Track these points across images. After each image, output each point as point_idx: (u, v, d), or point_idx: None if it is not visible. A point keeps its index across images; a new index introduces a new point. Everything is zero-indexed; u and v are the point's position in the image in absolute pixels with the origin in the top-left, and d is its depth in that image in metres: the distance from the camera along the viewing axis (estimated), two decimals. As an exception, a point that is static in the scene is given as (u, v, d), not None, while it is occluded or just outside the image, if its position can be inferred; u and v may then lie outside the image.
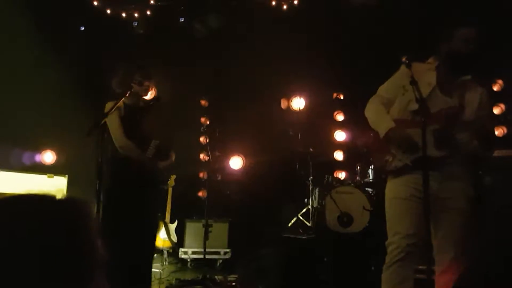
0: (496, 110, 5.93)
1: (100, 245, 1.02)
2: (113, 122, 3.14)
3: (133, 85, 3.11)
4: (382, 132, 2.80)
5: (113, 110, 2.82)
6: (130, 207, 3.07)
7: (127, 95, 2.97)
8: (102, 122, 2.59)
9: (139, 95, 3.24)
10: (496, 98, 5.93)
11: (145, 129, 3.23)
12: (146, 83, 3.18)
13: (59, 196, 1.03)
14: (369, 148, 4.69)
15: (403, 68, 2.85)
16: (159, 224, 3.54)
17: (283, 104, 6.75)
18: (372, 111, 2.93)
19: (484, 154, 2.78)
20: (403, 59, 2.67)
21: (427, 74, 2.75)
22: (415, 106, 2.63)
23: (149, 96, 3.40)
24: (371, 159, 4.88)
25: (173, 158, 3.47)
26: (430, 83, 2.72)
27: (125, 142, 3.14)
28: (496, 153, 4.62)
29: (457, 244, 2.71)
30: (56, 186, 5.07)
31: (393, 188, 2.85)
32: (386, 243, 2.79)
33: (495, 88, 6.17)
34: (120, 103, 3.21)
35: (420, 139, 2.46)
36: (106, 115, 2.67)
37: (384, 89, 2.96)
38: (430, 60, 2.85)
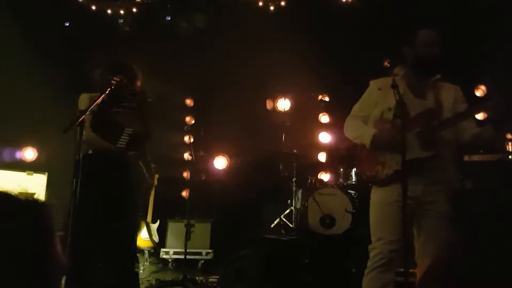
0: (479, 116, 5.99)
1: (59, 250, 0.99)
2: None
3: (112, 82, 3.10)
4: (367, 141, 2.80)
5: (91, 108, 2.78)
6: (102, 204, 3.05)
7: (106, 91, 2.95)
8: (81, 119, 2.55)
9: (115, 91, 3.21)
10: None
11: (120, 120, 3.20)
12: (116, 79, 3.16)
13: (21, 195, 1.00)
14: (358, 164, 4.73)
15: (372, 85, 2.94)
16: (137, 221, 3.47)
17: (269, 105, 6.74)
18: (351, 128, 2.96)
19: (495, 136, 2.76)
20: (385, 63, 2.69)
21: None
22: (389, 114, 2.70)
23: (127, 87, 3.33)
24: (361, 173, 4.92)
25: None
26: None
27: (87, 136, 3.09)
28: (477, 158, 4.68)
29: (440, 248, 2.72)
30: (35, 183, 4.98)
31: (378, 193, 2.86)
32: (369, 247, 2.80)
33: (478, 94, 6.23)
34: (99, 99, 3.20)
35: (404, 142, 2.48)
36: (84, 112, 2.62)
37: (357, 109, 3.00)
38: (396, 70, 2.86)
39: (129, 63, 3.36)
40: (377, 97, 2.84)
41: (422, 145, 2.66)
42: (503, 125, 2.68)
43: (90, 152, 3.24)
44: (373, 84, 2.93)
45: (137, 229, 3.42)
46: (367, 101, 2.95)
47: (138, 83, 3.34)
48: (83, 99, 3.24)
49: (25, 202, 0.97)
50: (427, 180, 2.68)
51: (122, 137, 3.17)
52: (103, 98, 3.23)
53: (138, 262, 3.49)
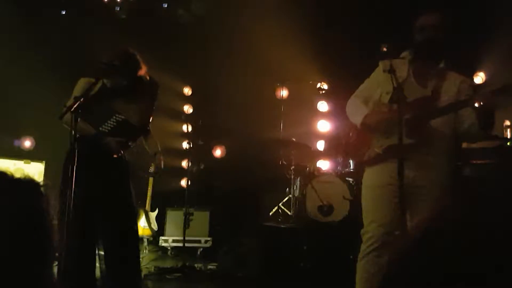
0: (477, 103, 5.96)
1: (55, 234, 0.97)
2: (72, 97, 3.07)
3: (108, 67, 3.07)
4: (358, 121, 2.82)
5: (85, 93, 2.75)
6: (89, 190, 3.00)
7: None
8: (76, 106, 2.52)
9: (114, 78, 3.16)
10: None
11: (117, 106, 3.13)
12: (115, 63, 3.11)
13: (17, 175, 0.97)
14: (348, 144, 4.75)
15: (380, 65, 2.91)
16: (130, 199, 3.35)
17: (277, 93, 6.68)
18: (350, 107, 2.98)
19: (482, 133, 2.74)
20: (383, 48, 2.66)
21: (399, 68, 2.75)
22: (387, 97, 2.71)
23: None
24: (349, 153, 4.96)
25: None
26: (400, 76, 2.73)
27: (66, 117, 2.97)
28: (475, 145, 4.66)
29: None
30: (33, 172, 4.97)
31: (369, 176, 2.87)
32: (362, 231, 2.79)
33: (477, 81, 6.20)
34: (98, 83, 3.14)
35: (395, 128, 2.47)
36: (79, 98, 2.60)
37: (361, 88, 3.00)
38: (403, 54, 2.86)
39: (134, 52, 3.29)
40: (381, 79, 2.82)
41: (408, 132, 2.64)
42: (489, 121, 2.61)
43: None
44: (381, 65, 2.90)
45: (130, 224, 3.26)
46: (371, 81, 2.95)
47: (142, 72, 3.25)
48: (81, 84, 3.16)
49: (22, 181, 0.95)
50: (418, 165, 2.66)
51: (108, 121, 3.09)
52: (104, 85, 3.19)
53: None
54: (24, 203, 0.92)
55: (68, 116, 2.79)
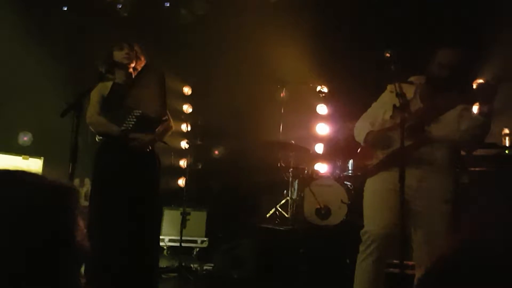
0: (475, 110, 5.97)
1: (85, 237, 0.94)
2: (90, 100, 3.12)
3: (114, 54, 3.08)
4: (361, 139, 2.90)
5: (90, 91, 2.78)
6: (118, 194, 3.03)
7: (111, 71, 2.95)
8: (78, 103, 2.52)
9: (123, 66, 3.16)
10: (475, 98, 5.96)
11: (131, 101, 3.15)
12: (126, 48, 3.13)
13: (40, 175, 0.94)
14: (355, 158, 4.87)
15: (388, 88, 2.95)
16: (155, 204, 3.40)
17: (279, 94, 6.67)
18: (357, 128, 3.04)
19: (469, 148, 2.78)
20: (386, 54, 2.67)
21: (405, 91, 2.74)
22: (389, 113, 2.76)
23: (135, 64, 3.26)
24: (356, 166, 5.02)
25: (165, 128, 3.37)
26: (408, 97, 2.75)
27: (92, 118, 3.10)
28: (475, 152, 4.68)
29: (438, 246, 2.73)
30: (31, 168, 4.95)
31: (371, 182, 2.91)
32: (361, 231, 2.82)
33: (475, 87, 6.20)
34: (107, 83, 3.17)
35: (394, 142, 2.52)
36: (82, 96, 2.60)
37: (369, 110, 3.07)
38: (412, 78, 2.89)
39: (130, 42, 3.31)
40: (387, 99, 2.88)
41: (407, 135, 2.66)
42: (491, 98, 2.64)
43: (98, 139, 3.22)
44: (388, 87, 2.95)
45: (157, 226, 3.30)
46: (378, 103, 3.02)
47: (142, 58, 3.29)
48: (98, 88, 3.20)
49: (51, 182, 0.91)
50: (421, 174, 2.70)
51: (128, 119, 3.12)
52: (116, 83, 3.21)
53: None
54: (57, 207, 0.90)
55: (95, 119, 2.99)
